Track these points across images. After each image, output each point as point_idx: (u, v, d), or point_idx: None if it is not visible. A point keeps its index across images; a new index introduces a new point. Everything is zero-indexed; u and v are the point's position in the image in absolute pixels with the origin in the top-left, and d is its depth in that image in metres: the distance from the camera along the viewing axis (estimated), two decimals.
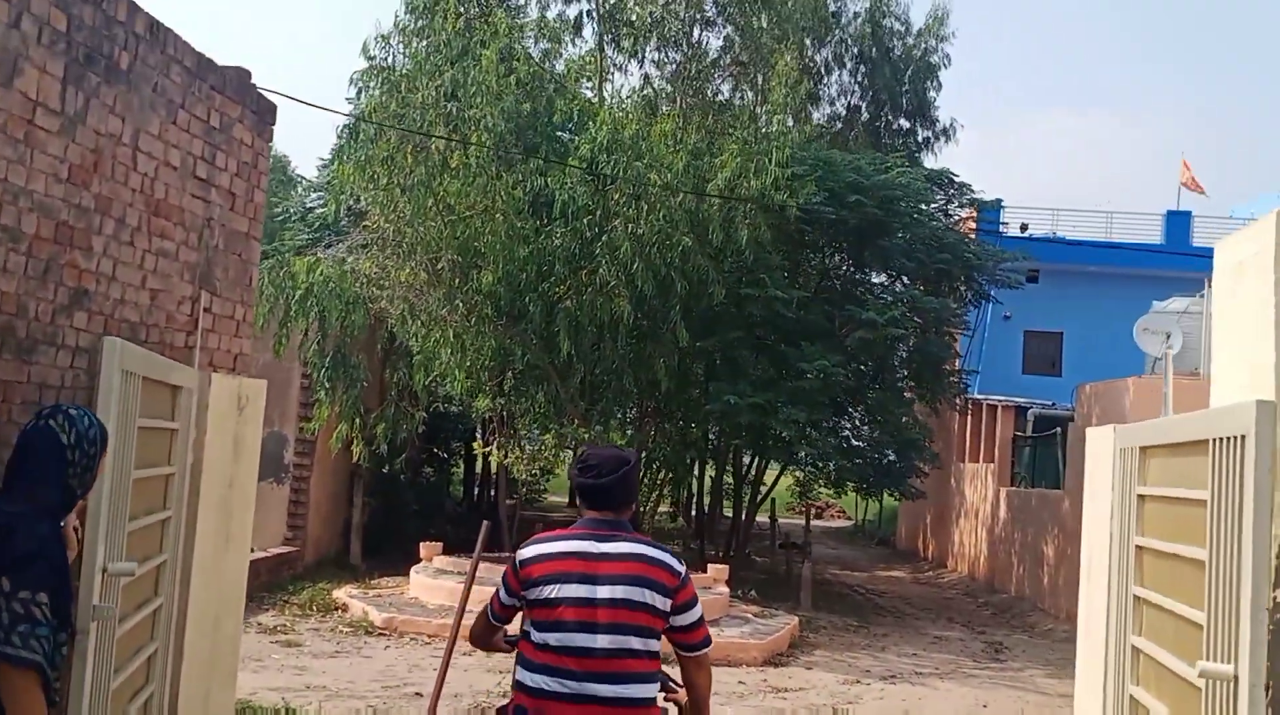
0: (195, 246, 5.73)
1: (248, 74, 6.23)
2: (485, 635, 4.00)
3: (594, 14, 17.71)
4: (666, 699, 3.88)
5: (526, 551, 3.78)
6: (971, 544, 23.89)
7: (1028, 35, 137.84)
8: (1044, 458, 20.91)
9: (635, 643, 3.61)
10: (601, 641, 3.58)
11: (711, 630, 10.03)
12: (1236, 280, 4.55)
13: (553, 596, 3.63)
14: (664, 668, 3.79)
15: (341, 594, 14.47)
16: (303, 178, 21.62)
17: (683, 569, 3.76)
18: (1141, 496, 4.00)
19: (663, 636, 3.72)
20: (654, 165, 14.69)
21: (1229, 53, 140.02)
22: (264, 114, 6.41)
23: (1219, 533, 3.05)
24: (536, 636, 3.66)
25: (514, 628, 3.94)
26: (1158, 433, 3.84)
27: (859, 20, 24.64)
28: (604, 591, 3.62)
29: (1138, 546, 3.98)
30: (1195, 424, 3.36)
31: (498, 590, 3.84)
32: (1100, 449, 4.69)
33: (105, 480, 3.89)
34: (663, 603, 3.66)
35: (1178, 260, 25.58)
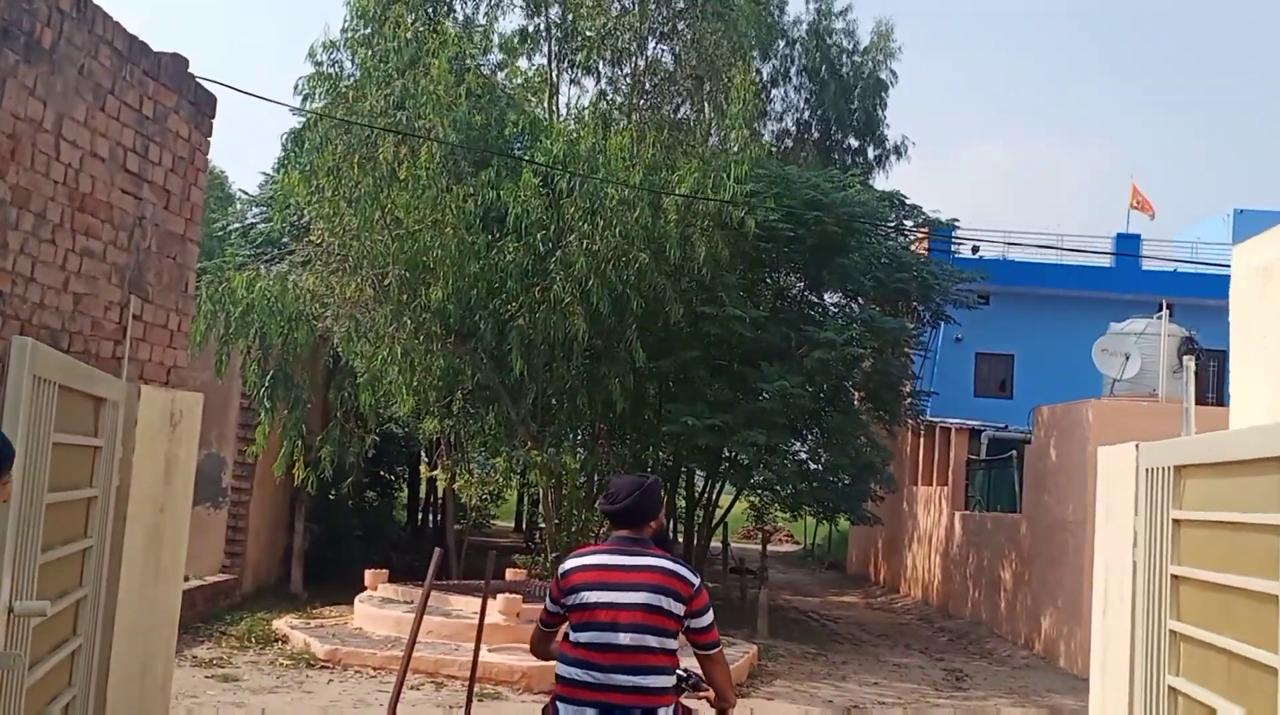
0: (125, 247, 5.22)
1: (185, 61, 5.74)
2: (540, 644, 4.61)
3: (545, 26, 17.34)
4: (699, 696, 4.57)
5: (566, 565, 4.45)
6: (925, 568, 23.64)
7: (968, 65, 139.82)
8: (999, 481, 20.72)
9: (653, 641, 4.23)
10: (624, 639, 4.21)
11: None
12: (1263, 284, 4.23)
13: (585, 601, 4.29)
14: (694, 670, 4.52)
15: (282, 624, 13.83)
16: (244, 192, 20.96)
17: (697, 581, 4.38)
18: (1177, 521, 3.63)
19: (679, 636, 4.33)
20: (610, 179, 14.30)
21: (1171, 77, 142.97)
22: (202, 105, 5.92)
23: None
24: (572, 636, 4.33)
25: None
26: (1200, 450, 3.47)
27: (803, 32, 24.58)
28: (627, 597, 4.24)
29: (1174, 576, 3.61)
30: (1261, 439, 2.98)
31: (545, 601, 4.53)
32: (1117, 469, 4.32)
33: (12, 504, 3.38)
34: (678, 608, 4.27)
35: (1128, 282, 25.69)
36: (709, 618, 4.40)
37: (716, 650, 4.47)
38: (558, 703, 4.29)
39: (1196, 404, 15.78)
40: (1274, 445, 2.89)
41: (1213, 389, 23.45)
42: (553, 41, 17.08)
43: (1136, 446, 4.08)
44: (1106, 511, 4.47)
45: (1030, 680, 14.72)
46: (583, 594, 4.30)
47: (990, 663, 16.30)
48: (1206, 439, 3.51)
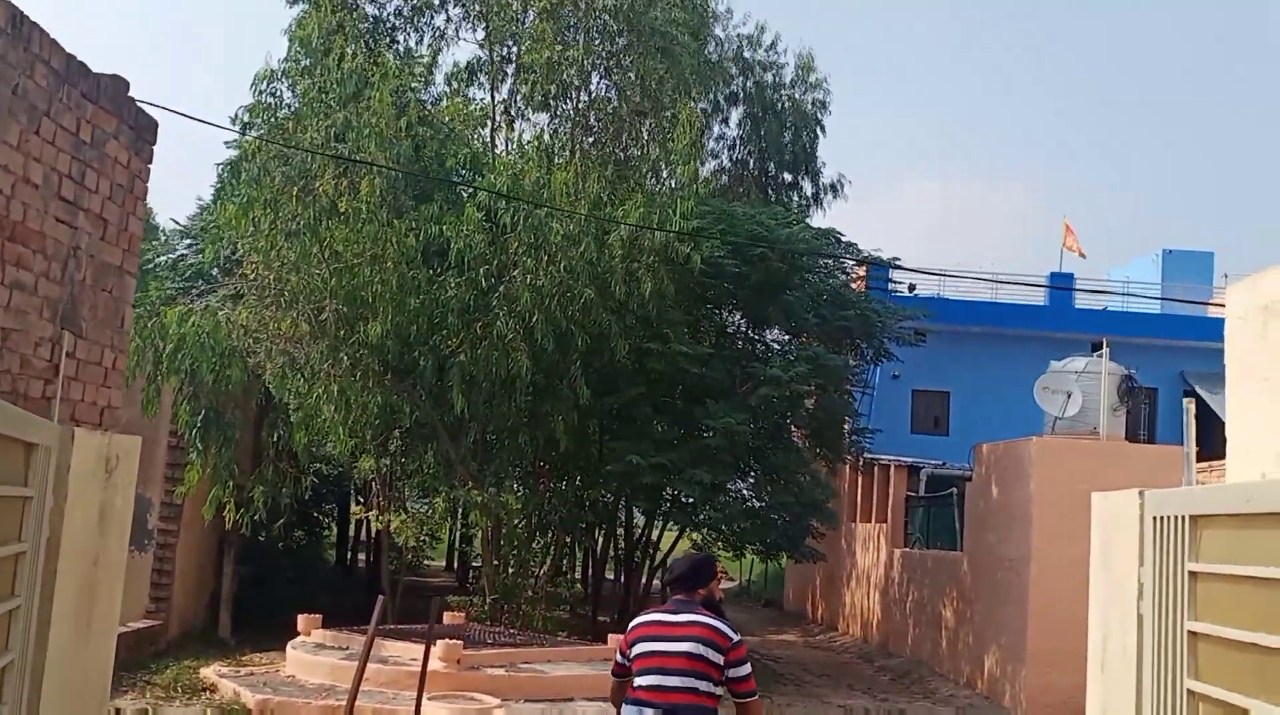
0: (58, 279, 4.86)
1: (125, 83, 5.41)
2: (615, 693, 5.40)
3: (489, 59, 17.13)
4: None
5: (632, 623, 5.37)
6: (864, 606, 23.53)
7: (896, 103, 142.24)
8: (938, 518, 20.71)
9: (697, 683, 5.05)
10: (673, 681, 5.04)
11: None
12: (1264, 323, 4.10)
13: (642, 651, 5.16)
14: None
15: (210, 672, 13.27)
16: (176, 222, 20.37)
17: (736, 636, 5.20)
18: (1194, 574, 3.45)
19: (722, 685, 5.10)
20: (555, 214, 14.08)
21: (1099, 120, 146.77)
22: (142, 130, 5.59)
23: None
24: (634, 680, 5.14)
25: None
26: (1223, 500, 3.29)
27: (735, 69, 24.64)
28: (675, 647, 5.10)
29: (1191, 633, 3.43)
30: None
31: (616, 654, 5.42)
32: (1118, 516, 4.15)
33: None
34: (717, 657, 5.07)
35: (1062, 321, 25.98)
36: (747, 669, 5.19)
37: (753, 700, 5.22)
38: None
39: (1130, 441, 15.85)
40: None
41: (1146, 427, 23.79)
42: (495, 75, 16.89)
43: (1141, 493, 3.91)
44: (1103, 561, 4.29)
45: None
46: (640, 645, 5.20)
47: (934, 703, 16.16)
48: (1233, 489, 3.34)
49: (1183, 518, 3.54)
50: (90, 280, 5.28)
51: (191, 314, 14.55)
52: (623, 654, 5.29)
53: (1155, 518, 3.76)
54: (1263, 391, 3.99)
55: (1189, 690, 3.43)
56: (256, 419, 17.32)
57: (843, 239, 20.12)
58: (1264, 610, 3.02)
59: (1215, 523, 3.37)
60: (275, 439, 16.41)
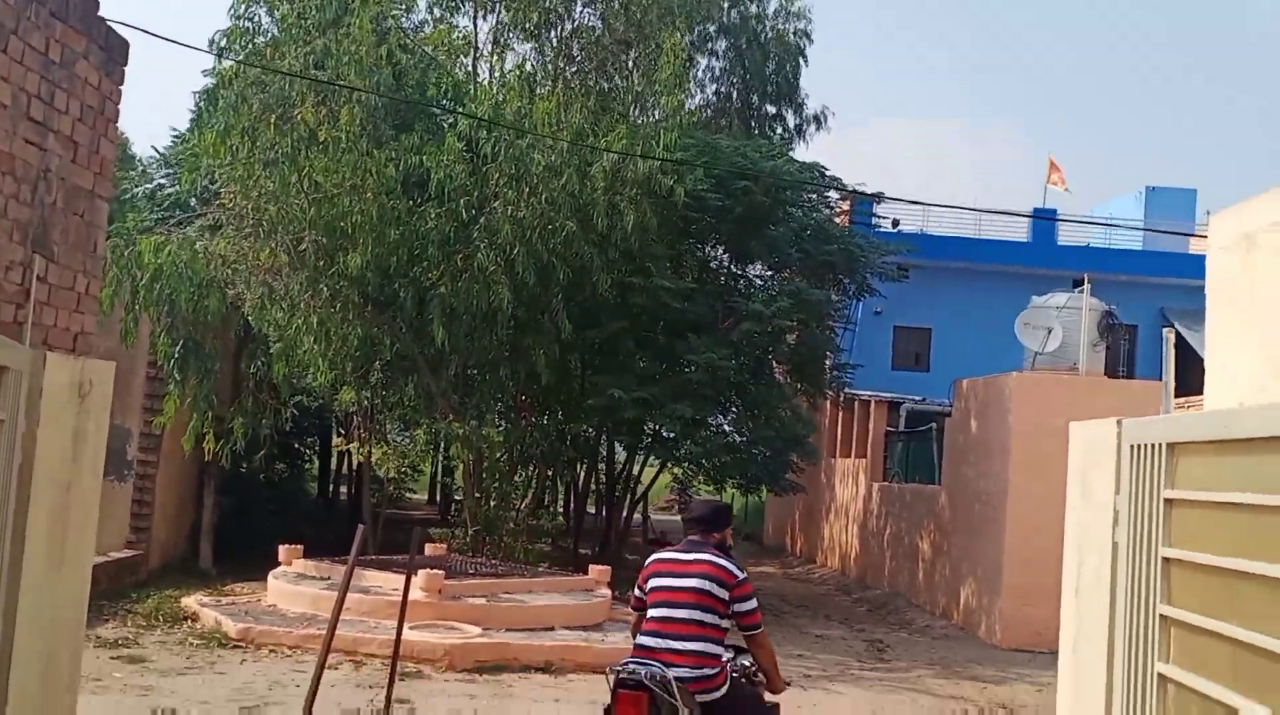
0: (28, 202, 4.78)
1: (95, 2, 5.28)
2: (635, 625, 5.81)
3: None
4: (758, 684, 5.82)
5: (648, 560, 5.84)
6: (843, 539, 23.77)
7: (878, 38, 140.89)
8: (918, 453, 20.86)
9: (703, 615, 5.43)
10: (680, 614, 5.46)
11: (596, 635, 11.36)
12: (1246, 253, 4.08)
13: (655, 586, 5.62)
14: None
15: (191, 602, 13.32)
16: (157, 149, 20.03)
17: (741, 575, 5.58)
18: (1170, 501, 3.46)
19: (728, 618, 5.50)
20: (537, 144, 13.92)
21: (1083, 56, 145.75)
22: (113, 51, 5.46)
23: None
24: (650, 612, 5.59)
25: None
26: (1202, 427, 3.29)
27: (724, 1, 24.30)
28: (683, 582, 5.51)
29: (1166, 559, 3.44)
30: (1278, 415, 2.81)
31: (634, 588, 5.82)
32: (1095, 445, 4.16)
33: None
34: (723, 593, 5.46)
35: (1045, 258, 25.99)
36: (752, 604, 5.58)
37: (759, 632, 5.68)
38: (628, 660, 5.47)
39: (1109, 377, 15.91)
40: None
41: (1125, 364, 23.92)
42: (480, 2, 16.58)
43: (1119, 422, 3.91)
44: (1080, 490, 4.31)
45: (951, 651, 14.80)
46: (654, 580, 5.66)
47: (910, 633, 16.38)
48: (1211, 415, 3.34)
49: (1160, 445, 3.54)
50: (61, 203, 5.19)
51: (168, 243, 14.39)
52: (640, 588, 5.75)
53: (1133, 446, 3.76)
54: (1242, 321, 3.98)
55: (1161, 615, 3.45)
56: (235, 350, 17.24)
57: (826, 173, 20.02)
58: (1238, 536, 3.03)
59: (1192, 450, 3.37)
60: (254, 370, 16.34)
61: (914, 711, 10.90)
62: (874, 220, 23.31)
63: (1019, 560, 14.79)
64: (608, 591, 14.19)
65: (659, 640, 5.41)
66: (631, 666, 5.33)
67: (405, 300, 14.55)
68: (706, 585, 5.44)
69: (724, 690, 5.43)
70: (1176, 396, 4.95)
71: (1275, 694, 2.77)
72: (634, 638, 5.67)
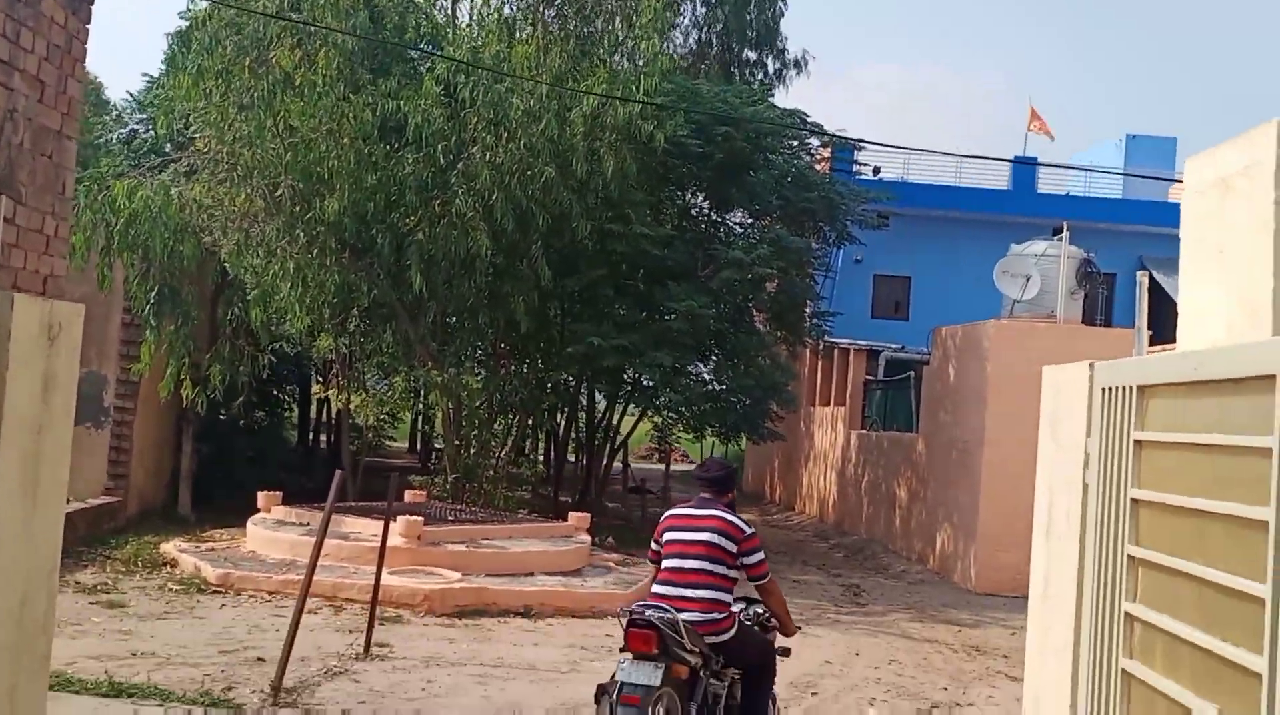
0: None
1: None
2: (654, 576, 6.18)
3: None
4: (772, 628, 6.41)
5: (664, 515, 6.34)
6: (821, 487, 23.94)
7: None
8: (896, 401, 20.95)
9: (712, 566, 5.92)
10: (690, 564, 5.94)
11: (575, 580, 11.94)
12: (1221, 196, 4.08)
13: (668, 539, 6.08)
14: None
15: (170, 548, 13.32)
16: (131, 94, 19.75)
17: (749, 529, 6.10)
18: (1139, 443, 3.48)
19: (737, 569, 6.00)
20: (516, 89, 13.78)
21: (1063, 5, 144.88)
22: None
23: None
24: (663, 563, 6.04)
25: None
26: (1171, 369, 3.31)
27: None
28: (695, 536, 6.00)
29: (1134, 500, 3.47)
30: (1251, 356, 2.82)
31: (650, 542, 6.30)
32: (1067, 388, 4.18)
33: None
34: (731, 546, 5.96)
35: (1025, 206, 25.99)
36: (759, 556, 6.06)
37: (767, 580, 6.15)
38: (641, 604, 5.90)
39: (1087, 325, 15.97)
40: (1264, 363, 2.72)
41: (1103, 312, 24.02)
42: None
43: (1091, 365, 3.93)
44: (1052, 432, 4.33)
45: (926, 595, 14.98)
46: (669, 534, 6.12)
47: (886, 578, 16.56)
48: (1175, 357, 3.35)
49: (1130, 388, 3.55)
50: (28, 144, 5.12)
51: (141, 187, 14.22)
52: (656, 541, 6.23)
53: (1104, 388, 3.78)
54: (1215, 264, 3.99)
55: (1129, 555, 3.48)
56: (212, 296, 17.12)
57: (807, 119, 19.91)
58: (1205, 476, 3.06)
59: (1162, 392, 3.39)
60: (231, 317, 16.22)
61: (890, 653, 11.04)
62: (854, 168, 23.21)
63: (994, 506, 14.93)
64: (587, 538, 14.27)
65: (671, 588, 5.90)
66: (643, 609, 5.76)
67: (383, 247, 14.45)
68: (716, 539, 5.94)
69: (732, 633, 5.91)
70: (1152, 345, 4.97)
71: (1239, 631, 2.81)
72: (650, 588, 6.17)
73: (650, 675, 5.55)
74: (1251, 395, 2.79)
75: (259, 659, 8.99)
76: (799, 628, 6.73)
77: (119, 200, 14.02)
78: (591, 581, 12.77)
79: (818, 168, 20.71)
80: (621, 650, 5.76)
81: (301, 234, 14.39)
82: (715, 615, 5.84)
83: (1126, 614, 3.48)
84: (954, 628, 12.66)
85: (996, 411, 15.07)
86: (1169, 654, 3.22)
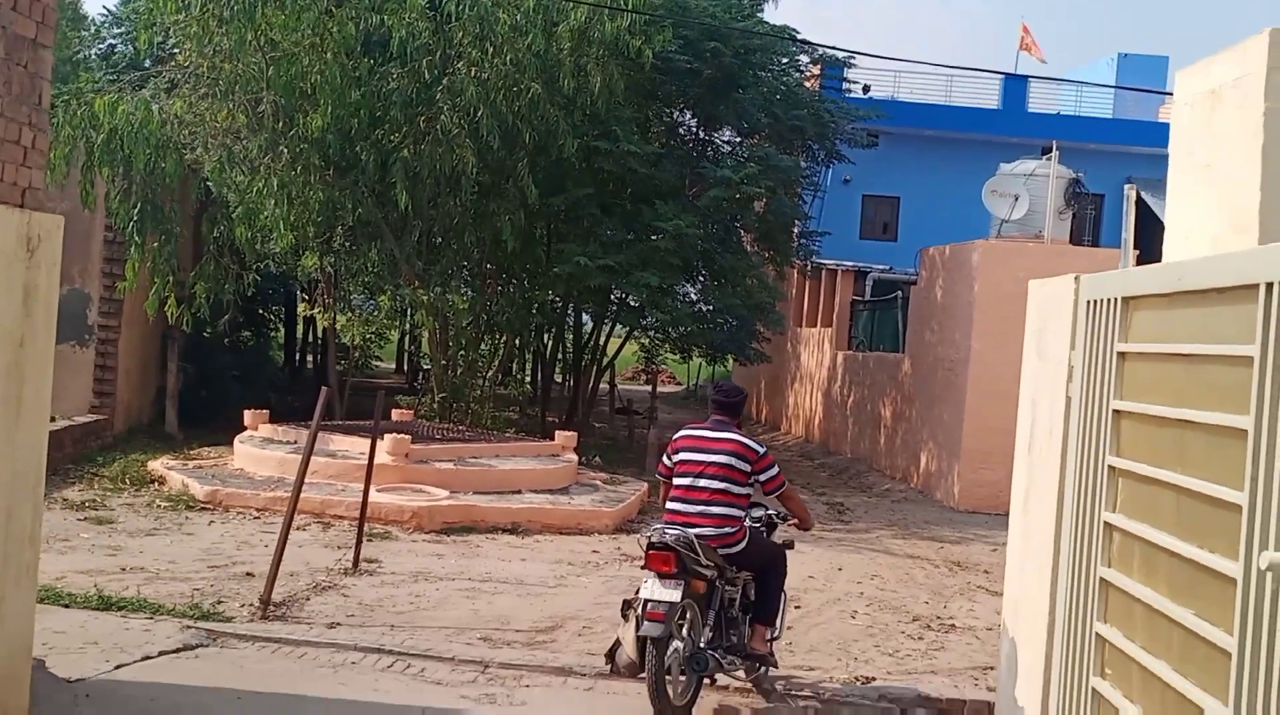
0: None
1: None
2: (662, 492, 6.74)
3: None
4: (790, 524, 6.96)
5: (676, 436, 6.69)
6: (807, 407, 24.06)
7: None
8: (883, 322, 20.99)
9: (728, 486, 6.38)
10: (704, 482, 6.39)
11: (562, 498, 12.77)
12: (1210, 109, 4.04)
13: (683, 459, 6.50)
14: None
15: (158, 466, 13.36)
16: (107, 8, 19.35)
17: (762, 449, 6.54)
18: (1123, 355, 3.49)
19: (750, 486, 6.50)
20: (502, 3, 13.53)
21: None
22: None
23: (1273, 396, 2.54)
24: (675, 481, 6.51)
25: None
26: (1155, 280, 3.30)
27: None
28: (712, 457, 6.42)
29: (1116, 412, 3.49)
30: (1233, 265, 2.81)
31: (661, 460, 6.78)
32: (1052, 302, 4.18)
33: None
34: (744, 466, 6.42)
35: (1015, 125, 25.79)
36: (773, 472, 6.52)
37: (784, 489, 6.63)
38: (659, 525, 6.37)
39: (1074, 245, 15.94)
40: (1243, 273, 2.72)
41: (1091, 232, 23.99)
42: None
43: (1076, 278, 3.92)
44: (1036, 346, 4.34)
45: (909, 513, 15.15)
46: (682, 454, 6.53)
47: (870, 496, 16.73)
48: (1159, 269, 3.35)
49: (1115, 300, 3.55)
50: (3, 53, 5.01)
51: (122, 103, 14.00)
52: (668, 458, 6.64)
53: (1089, 302, 3.78)
54: (1202, 179, 3.97)
55: (1110, 466, 3.51)
56: (196, 214, 16.96)
57: (798, 37, 19.63)
58: (1185, 386, 3.07)
59: (1146, 304, 3.39)
60: (216, 235, 16.08)
61: (873, 569, 11.18)
62: (844, 86, 22.95)
63: (978, 425, 15.04)
64: (574, 456, 14.35)
65: (686, 505, 6.37)
66: (662, 531, 6.22)
67: (367, 163, 14.30)
68: (731, 460, 6.40)
69: (743, 545, 6.42)
70: (1139, 264, 4.95)
71: (1215, 538, 2.84)
72: (663, 504, 6.67)
73: (671, 592, 6.01)
74: (1234, 305, 2.79)
75: (248, 574, 9.07)
76: (815, 523, 7.61)
77: (100, 116, 13.81)
78: (578, 499, 12.88)
79: (807, 85, 20.48)
80: (643, 569, 6.22)
81: (285, 150, 14.22)
82: (727, 530, 6.34)
83: (1106, 524, 3.52)
84: (936, 544, 12.82)
85: (983, 330, 15.11)
86: (1146, 562, 3.26)
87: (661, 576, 6.07)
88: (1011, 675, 4.33)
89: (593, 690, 6.88)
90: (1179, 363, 3.13)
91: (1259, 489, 2.59)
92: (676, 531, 6.17)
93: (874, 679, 7.37)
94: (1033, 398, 4.34)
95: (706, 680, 6.47)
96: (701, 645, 6.20)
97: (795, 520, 6.88)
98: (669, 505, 6.47)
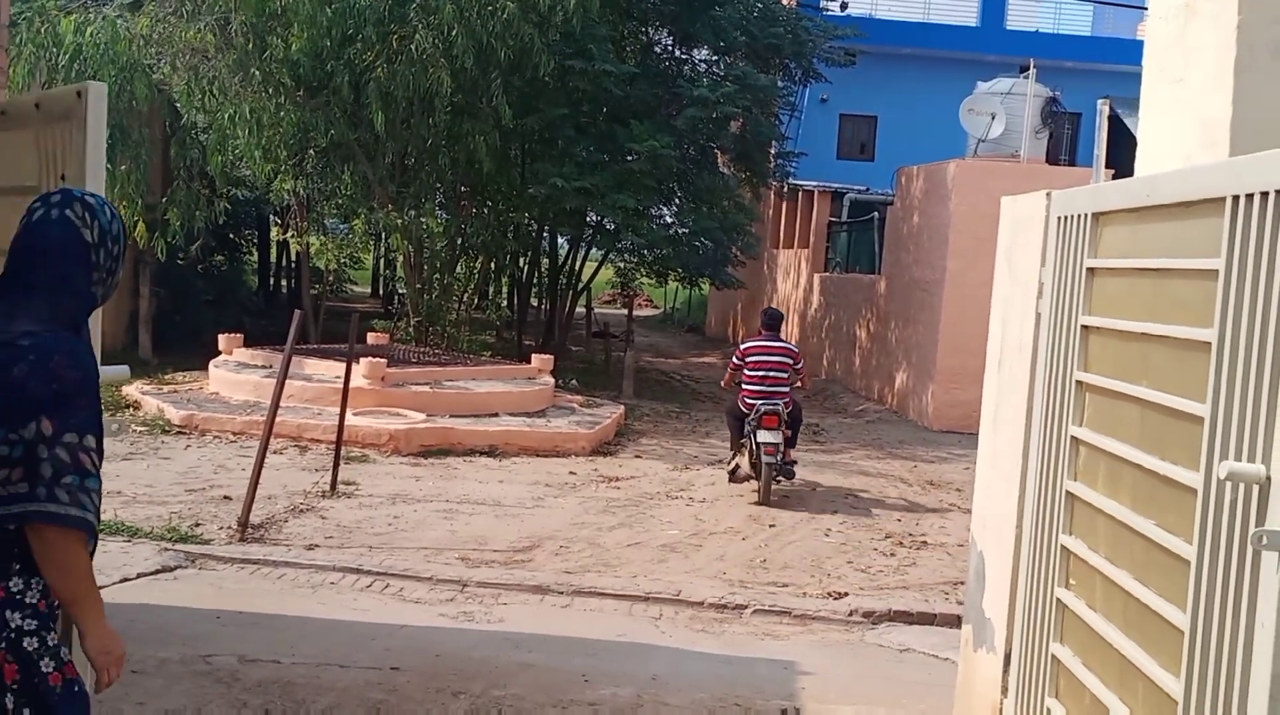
0: None
1: None
2: (731, 380, 10.67)
3: None
4: (800, 382, 10.97)
5: (745, 344, 10.68)
6: (784, 330, 24.06)
7: None
8: (859, 243, 20.97)
9: (784, 374, 10.37)
10: (774, 374, 10.30)
11: (539, 421, 13.40)
12: (1185, 22, 4.02)
13: (756, 359, 10.35)
14: None
15: (132, 390, 13.32)
16: None
17: (798, 351, 10.85)
18: (1092, 270, 3.51)
19: (792, 372, 10.50)
20: None
21: None
22: None
23: (1236, 309, 2.56)
24: (749, 373, 10.32)
25: None
26: (1127, 195, 3.31)
27: None
28: (775, 358, 10.39)
29: (1084, 327, 3.52)
30: (1201, 179, 2.82)
31: (731, 361, 10.74)
32: (1023, 218, 4.19)
33: None
34: (791, 361, 10.47)
35: (993, 43, 25.58)
36: (801, 363, 10.64)
37: (804, 371, 10.83)
38: (744, 401, 10.31)
39: (1051, 164, 15.87)
40: (1211, 186, 2.73)
41: (1067, 151, 23.92)
42: None
43: (1048, 194, 3.92)
44: (1008, 264, 4.36)
45: (883, 433, 15.28)
46: (754, 356, 10.34)
47: (845, 417, 16.84)
48: (1129, 184, 3.35)
49: (1085, 216, 3.56)
50: None
51: (89, 23, 13.69)
52: (739, 359, 10.44)
53: (1060, 218, 3.78)
54: (1175, 95, 3.96)
55: (1078, 381, 3.55)
56: (165, 138, 16.71)
57: None
58: (1153, 301, 3.09)
59: (1116, 219, 3.39)
60: (187, 160, 15.87)
61: (847, 485, 11.32)
62: (822, 3, 22.68)
63: (952, 345, 15.12)
64: (550, 379, 14.38)
65: (764, 387, 10.18)
66: (763, 403, 10.05)
67: (340, 84, 14.09)
68: (785, 359, 10.39)
69: (792, 408, 10.32)
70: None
71: (1178, 450, 2.89)
72: (728, 386, 10.93)
73: (777, 436, 10.04)
74: (1202, 219, 2.80)
75: (225, 497, 9.11)
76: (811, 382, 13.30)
77: (66, 35, 13.51)
78: (555, 422, 12.93)
79: (784, 2, 20.23)
80: (754, 424, 10.01)
81: (255, 72, 13.99)
82: (786, 400, 10.25)
83: (1073, 438, 3.56)
84: (910, 463, 12.96)
85: (958, 251, 15.12)
86: (1111, 475, 3.31)
87: (770, 429, 9.97)
88: (979, 588, 4.42)
89: (569, 607, 6.99)
90: (1147, 278, 3.15)
91: (1220, 401, 2.63)
92: (770, 403, 10.02)
93: (846, 594, 7.50)
94: (1003, 315, 4.37)
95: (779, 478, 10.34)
96: (784, 463, 10.30)
97: (801, 382, 10.86)
98: (752, 387, 10.19)
